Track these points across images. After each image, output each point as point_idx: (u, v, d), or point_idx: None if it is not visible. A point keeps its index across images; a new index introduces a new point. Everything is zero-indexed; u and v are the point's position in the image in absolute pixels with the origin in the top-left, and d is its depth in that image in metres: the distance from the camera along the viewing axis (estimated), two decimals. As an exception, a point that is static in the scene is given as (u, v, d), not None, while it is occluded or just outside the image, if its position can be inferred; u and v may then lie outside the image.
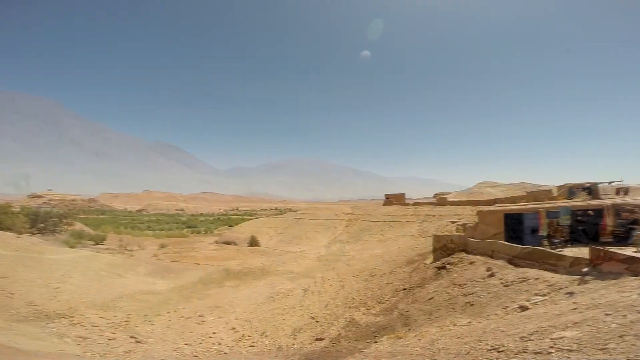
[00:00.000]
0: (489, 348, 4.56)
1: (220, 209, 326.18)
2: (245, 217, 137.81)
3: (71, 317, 16.17)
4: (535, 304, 7.47)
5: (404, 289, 16.57)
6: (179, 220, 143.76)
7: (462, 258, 16.88)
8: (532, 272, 10.50)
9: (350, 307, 16.45)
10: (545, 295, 8.14)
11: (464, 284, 11.88)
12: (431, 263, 19.19)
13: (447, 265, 16.85)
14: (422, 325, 8.85)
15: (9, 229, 38.84)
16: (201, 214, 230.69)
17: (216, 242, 63.24)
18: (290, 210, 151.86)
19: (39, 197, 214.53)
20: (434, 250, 20.14)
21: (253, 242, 55.12)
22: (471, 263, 15.19)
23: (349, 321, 14.00)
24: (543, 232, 15.51)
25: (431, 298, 11.96)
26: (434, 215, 53.56)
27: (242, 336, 14.97)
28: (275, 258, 40.64)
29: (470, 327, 6.69)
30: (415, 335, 7.26)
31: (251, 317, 17.94)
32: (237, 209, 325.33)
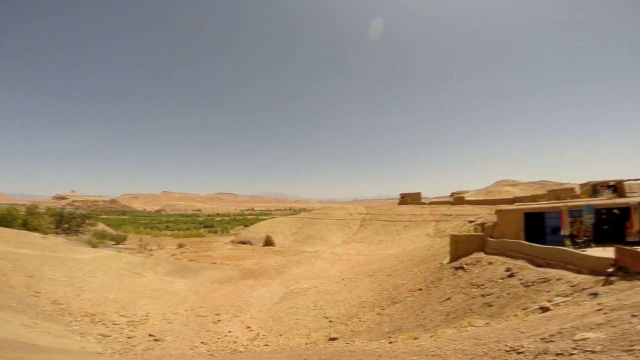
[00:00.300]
0: (508, 349, 4.40)
1: (236, 209, 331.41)
2: (260, 217, 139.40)
3: (93, 315, 16.66)
4: (557, 305, 7.17)
5: (420, 289, 16.28)
6: (196, 221, 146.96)
7: (480, 258, 16.48)
8: (553, 273, 10.10)
9: (364, 307, 16.29)
10: (567, 296, 7.80)
11: (482, 285, 11.56)
12: (448, 263, 18.79)
13: (464, 266, 16.48)
14: (438, 326, 8.64)
15: (35, 230, 40.59)
16: (217, 214, 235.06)
17: (232, 241, 64.15)
18: (304, 210, 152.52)
19: (63, 198, 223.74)
20: (451, 250, 19.73)
21: (268, 242, 55.59)
22: (490, 263, 14.80)
23: (363, 321, 13.85)
24: (565, 232, 14.92)
25: (448, 299, 11.69)
26: (450, 215, 52.56)
27: (257, 335, 15.07)
28: (289, 258, 40.79)
29: (488, 328, 6.49)
30: (431, 336, 7.09)
31: (266, 316, 18.04)
32: (252, 209, 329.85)
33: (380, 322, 12.63)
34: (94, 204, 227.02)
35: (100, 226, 69.61)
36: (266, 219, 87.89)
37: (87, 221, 60.34)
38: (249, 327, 16.30)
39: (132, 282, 23.85)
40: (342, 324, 14.45)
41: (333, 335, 11.82)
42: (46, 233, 40.50)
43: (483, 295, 10.24)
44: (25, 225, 41.69)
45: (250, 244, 58.24)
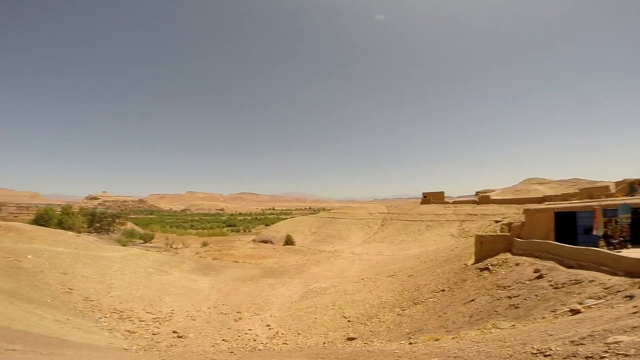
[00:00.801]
0: (535, 352, 4.16)
1: (257, 209, 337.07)
2: (280, 217, 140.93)
3: (121, 312, 17.34)
4: (589, 307, 6.73)
5: (442, 290, 15.86)
6: (220, 220, 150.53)
7: (507, 259, 15.87)
8: (586, 274, 9.52)
9: (384, 307, 16.05)
10: (600, 298, 7.32)
11: (509, 286, 11.08)
12: (473, 264, 18.21)
13: (490, 267, 15.92)
14: (460, 328, 8.34)
15: (69, 229, 42.84)
16: (240, 214, 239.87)
17: (254, 240, 65.23)
18: (323, 209, 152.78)
19: (95, 198, 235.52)
20: (476, 251, 19.14)
21: (288, 241, 56.08)
22: (517, 264, 14.21)
23: (383, 321, 13.63)
24: (599, 232, 14.06)
25: (472, 300, 11.29)
26: (475, 215, 51.01)
27: (276, 333, 15.19)
28: (309, 257, 40.93)
29: (514, 330, 6.18)
30: (453, 338, 6.86)
31: (285, 315, 18.16)
32: (273, 209, 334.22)
33: (400, 323, 12.38)
34: (124, 204, 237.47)
35: (129, 225, 72.67)
36: (286, 219, 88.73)
37: (117, 220, 63.05)
38: (268, 326, 16.48)
39: (158, 280, 24.67)
40: (360, 324, 14.30)
41: (351, 335, 11.70)
42: (79, 232, 42.63)
43: (509, 297, 9.81)
44: (61, 225, 43.94)
45: (271, 243, 58.98)
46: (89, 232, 49.85)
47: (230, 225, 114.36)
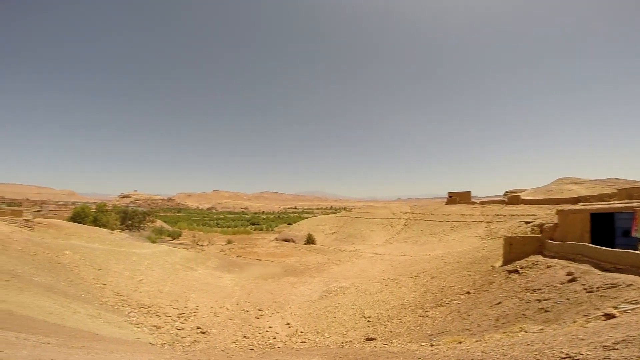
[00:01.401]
0: (564, 356, 3.90)
1: (280, 207, 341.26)
2: (302, 216, 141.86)
3: (149, 307, 18.01)
4: (625, 312, 6.25)
5: (468, 292, 15.32)
6: (244, 218, 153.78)
7: (537, 261, 15.12)
8: (623, 278, 8.87)
9: (406, 308, 15.72)
10: (638, 303, 6.78)
11: (539, 289, 10.52)
12: (500, 266, 17.49)
13: (519, 269, 15.23)
14: (485, 331, 7.99)
15: (104, 226, 45.09)
16: (263, 212, 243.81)
17: (276, 239, 66.09)
18: (345, 208, 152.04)
19: (127, 196, 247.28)
20: (505, 253, 18.38)
21: (309, 240, 56.36)
22: (548, 267, 13.50)
23: (404, 322, 13.34)
24: (638, 234, 13.10)
25: (498, 303, 10.81)
26: (504, 215, 49.09)
27: (295, 332, 15.25)
28: (330, 256, 40.89)
29: (542, 334, 5.85)
30: (477, 341, 6.59)
31: (304, 313, 18.21)
32: (295, 208, 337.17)
33: (422, 325, 12.05)
34: (153, 202, 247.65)
35: (159, 223, 75.69)
36: (308, 218, 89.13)
37: (147, 218, 65.77)
38: (288, 324, 16.60)
39: (185, 276, 25.48)
40: (381, 324, 14.05)
41: (371, 335, 11.51)
42: (112, 229, 44.77)
43: (539, 300, 9.30)
44: (96, 222, 46.26)
45: (293, 241, 59.51)
46: (122, 229, 52.26)
47: (253, 224, 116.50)
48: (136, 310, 17.04)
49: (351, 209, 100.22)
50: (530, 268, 14.57)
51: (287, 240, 61.12)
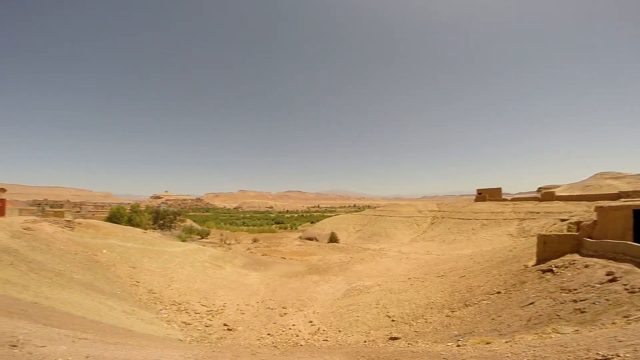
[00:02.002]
0: (600, 358, 3.64)
1: (303, 206, 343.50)
2: (325, 215, 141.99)
3: (179, 304, 18.67)
4: (673, 313, 5.74)
5: (498, 292, 14.71)
6: (269, 217, 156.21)
7: (574, 260, 14.26)
8: (673, 279, 8.15)
9: (432, 308, 15.32)
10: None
11: (575, 289, 9.90)
12: (534, 265, 16.67)
13: (554, 268, 14.44)
14: (516, 332, 7.61)
15: (137, 225, 47.32)
16: (287, 211, 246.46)
17: (300, 237, 66.59)
18: (368, 207, 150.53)
19: (159, 197, 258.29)
20: (538, 252, 17.51)
21: (332, 239, 56.31)
22: (586, 266, 12.70)
23: (429, 322, 12.99)
24: None
25: (531, 303, 10.28)
26: (537, 212, 46.76)
27: (318, 330, 15.28)
28: (353, 255, 40.65)
29: (577, 335, 5.49)
30: (507, 342, 6.30)
31: (327, 311, 18.20)
32: (319, 206, 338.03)
33: (448, 325, 11.68)
34: (183, 202, 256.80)
35: (188, 222, 78.44)
36: (331, 216, 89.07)
37: (177, 218, 68.36)
38: (311, 322, 16.66)
39: (213, 274, 26.23)
40: (405, 324, 13.76)
41: (394, 335, 11.26)
42: (146, 228, 46.90)
43: (574, 301, 8.74)
44: (130, 222, 48.57)
45: (316, 240, 59.70)
46: (154, 228, 54.67)
47: (278, 223, 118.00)
48: (167, 307, 17.69)
49: (375, 207, 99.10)
50: (566, 267, 13.77)
51: (310, 239, 61.43)
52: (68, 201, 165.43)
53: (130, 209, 56.38)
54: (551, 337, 5.69)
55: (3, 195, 27.87)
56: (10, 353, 3.83)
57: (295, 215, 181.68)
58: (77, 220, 32.96)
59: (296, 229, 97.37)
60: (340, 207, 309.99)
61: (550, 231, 26.24)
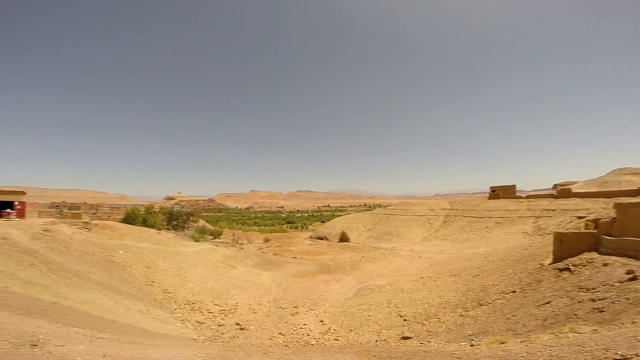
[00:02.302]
0: (618, 357, 3.53)
1: (313, 206, 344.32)
2: (335, 214, 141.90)
3: (193, 303, 18.93)
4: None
5: (513, 292, 14.42)
6: (280, 217, 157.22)
7: (592, 259, 13.88)
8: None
9: (445, 307, 15.13)
10: None
11: (594, 288, 9.63)
12: (550, 264, 16.29)
13: (571, 267, 14.08)
14: (531, 331, 7.44)
15: (152, 226, 48.23)
16: (298, 211, 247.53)
17: (310, 237, 66.74)
18: (379, 206, 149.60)
19: (172, 198, 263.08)
20: (555, 250, 17.10)
21: (343, 238, 56.23)
22: (605, 264, 12.33)
23: (442, 322, 12.82)
24: None
25: (547, 302, 10.04)
26: (553, 210, 45.71)
27: (329, 329, 15.27)
28: (364, 254, 40.49)
29: (595, 334, 5.35)
30: (522, 341, 6.18)
31: (338, 311, 18.17)
32: (329, 206, 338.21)
33: (462, 324, 11.49)
34: (196, 203, 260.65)
35: (201, 222, 79.52)
36: (341, 215, 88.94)
37: (191, 218, 69.38)
38: (322, 321, 16.67)
39: (225, 274, 26.52)
40: (417, 323, 13.60)
41: (406, 334, 11.12)
42: (160, 229, 47.73)
43: (593, 300, 8.50)
44: (145, 223, 49.53)
45: (327, 239, 59.71)
46: (168, 229, 55.57)
47: (289, 222, 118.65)
48: (181, 307, 17.96)
49: (386, 206, 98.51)
50: (584, 266, 13.41)
51: (321, 239, 61.49)
52: (85, 203, 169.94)
53: (144, 210, 57.48)
54: (568, 337, 5.55)
55: (23, 198, 28.80)
56: (31, 352, 3.96)
57: (306, 214, 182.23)
58: (94, 221, 33.85)
59: (307, 228, 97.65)
60: (351, 206, 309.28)
61: (567, 229, 25.61)
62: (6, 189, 29.80)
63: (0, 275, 12.41)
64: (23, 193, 29.15)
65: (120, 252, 24.36)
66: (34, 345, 4.19)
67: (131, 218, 49.97)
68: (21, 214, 27.54)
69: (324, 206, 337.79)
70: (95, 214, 70.65)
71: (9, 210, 26.78)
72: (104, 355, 4.56)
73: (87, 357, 4.27)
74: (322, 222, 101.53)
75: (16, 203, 27.68)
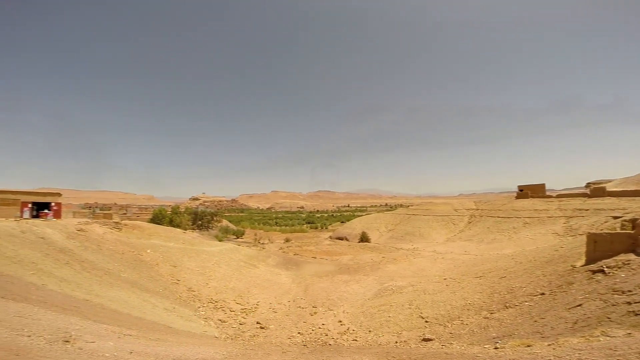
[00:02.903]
0: (652, 363, 3.32)
1: (333, 206, 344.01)
2: (356, 214, 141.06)
3: (216, 302, 19.37)
4: None
5: (542, 294, 13.81)
6: (300, 217, 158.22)
7: (629, 260, 13.07)
8: None
9: (469, 309, 14.69)
10: None
11: (630, 291, 9.05)
12: (582, 266, 15.48)
13: (605, 269, 13.32)
14: (560, 334, 7.08)
15: (178, 226, 49.82)
16: (318, 211, 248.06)
17: (330, 237, 66.69)
18: (401, 206, 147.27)
19: (197, 199, 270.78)
20: (588, 251, 16.23)
21: (364, 238, 55.81)
22: (644, 266, 11.56)
23: (466, 324, 12.44)
24: None
25: (578, 305, 9.54)
26: (586, 210, 43.40)
27: (347, 329, 15.18)
28: (385, 254, 40.00)
29: (630, 338, 5.03)
30: (550, 345, 5.92)
31: (357, 311, 18.03)
32: (349, 206, 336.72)
33: (486, 327, 11.10)
34: (219, 204, 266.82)
35: (225, 222, 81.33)
36: (361, 216, 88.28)
37: (214, 218, 71.09)
38: (340, 321, 16.60)
39: (247, 273, 27.02)
40: (440, 325, 13.25)
41: (428, 336, 10.83)
42: (185, 229, 49.26)
43: (628, 303, 7.99)
44: (171, 223, 51.19)
45: (347, 239, 59.45)
46: (193, 229, 57.26)
47: (309, 223, 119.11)
48: (205, 305, 18.43)
49: (408, 206, 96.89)
50: (619, 268, 12.64)
51: (340, 239, 61.32)
52: (115, 204, 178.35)
53: (171, 211, 59.40)
54: (599, 340, 5.26)
55: (59, 200, 30.57)
56: (64, 348, 4.20)
57: (326, 215, 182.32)
58: (123, 221, 35.42)
59: (326, 228, 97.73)
60: (371, 206, 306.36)
61: (602, 229, 24.28)
62: (43, 191, 31.76)
63: (38, 273, 13.23)
64: (59, 195, 30.92)
65: (148, 251, 25.32)
66: (67, 342, 4.44)
67: (158, 218, 51.77)
68: (57, 215, 29.23)
69: (344, 206, 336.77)
70: (125, 214, 73.89)
71: (46, 211, 28.51)
72: (131, 352, 4.77)
73: (115, 354, 4.48)
74: (342, 222, 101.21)
75: (53, 204, 29.42)
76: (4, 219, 23.00)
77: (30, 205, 27.82)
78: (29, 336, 4.40)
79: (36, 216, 27.70)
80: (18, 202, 27.10)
